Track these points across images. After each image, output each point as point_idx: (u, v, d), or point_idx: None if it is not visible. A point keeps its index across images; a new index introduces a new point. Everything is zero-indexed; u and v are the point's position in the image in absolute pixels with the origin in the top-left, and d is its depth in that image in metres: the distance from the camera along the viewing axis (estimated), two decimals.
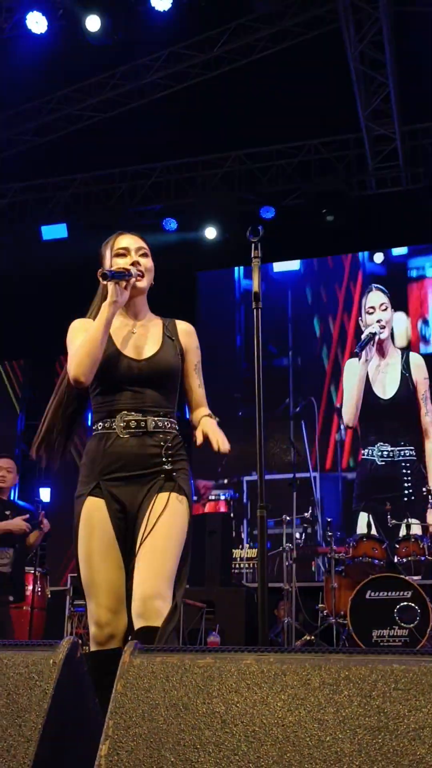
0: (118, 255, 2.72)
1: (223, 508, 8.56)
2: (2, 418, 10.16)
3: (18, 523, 5.26)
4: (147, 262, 2.74)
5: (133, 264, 2.69)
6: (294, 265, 9.28)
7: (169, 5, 7.24)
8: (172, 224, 9.27)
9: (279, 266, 9.28)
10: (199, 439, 2.59)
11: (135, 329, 2.72)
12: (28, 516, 5.36)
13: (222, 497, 8.61)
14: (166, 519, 2.43)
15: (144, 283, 2.72)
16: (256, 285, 2.98)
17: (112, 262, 2.71)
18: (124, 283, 2.62)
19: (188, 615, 5.85)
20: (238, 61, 8.56)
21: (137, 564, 2.39)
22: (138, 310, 2.77)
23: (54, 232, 9.37)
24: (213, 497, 8.61)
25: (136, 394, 2.59)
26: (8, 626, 5.19)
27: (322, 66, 8.17)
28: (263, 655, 1.44)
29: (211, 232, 9.11)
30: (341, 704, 1.33)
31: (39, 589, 6.22)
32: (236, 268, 9.53)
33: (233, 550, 7.70)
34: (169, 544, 2.41)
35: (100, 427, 2.60)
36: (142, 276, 2.71)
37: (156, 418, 2.58)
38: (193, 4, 7.60)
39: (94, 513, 2.48)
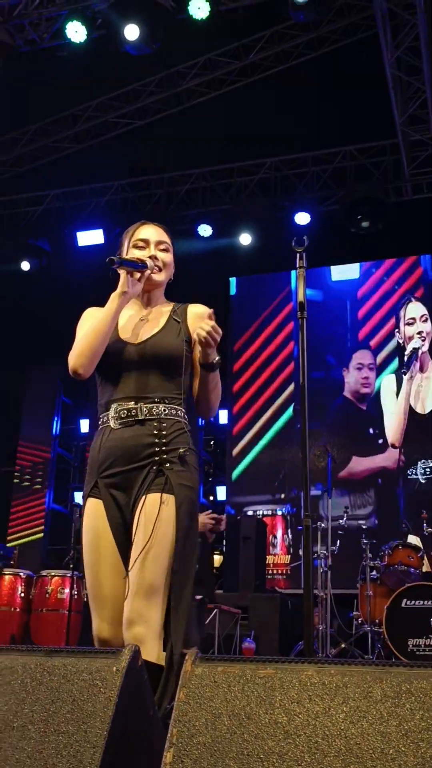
0: (136, 246, 2.59)
1: (280, 525, 8.49)
2: (38, 422, 10.27)
3: None
4: (166, 257, 2.61)
5: (150, 257, 2.56)
6: (353, 272, 9.21)
7: (207, 13, 7.28)
8: (207, 230, 9.30)
9: (338, 274, 9.20)
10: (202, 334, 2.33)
11: (144, 317, 2.58)
12: None
13: (279, 512, 8.54)
14: (150, 531, 2.24)
15: (161, 277, 2.59)
16: (301, 294, 2.99)
17: (128, 252, 2.59)
18: (138, 275, 2.49)
19: (223, 621, 5.86)
20: (274, 68, 8.60)
21: (126, 583, 2.24)
22: (149, 302, 2.64)
23: (90, 238, 9.46)
24: (269, 512, 8.52)
25: (132, 381, 2.43)
26: None
27: (358, 72, 8.17)
28: (324, 667, 1.46)
29: (246, 238, 9.13)
30: (404, 717, 1.35)
31: (75, 593, 6.27)
32: (292, 273, 9.46)
33: (267, 556, 7.70)
34: (153, 561, 2.22)
35: (100, 422, 2.47)
36: (160, 270, 2.58)
37: (149, 405, 2.39)
38: (229, 12, 7.64)
39: (95, 520, 2.35)
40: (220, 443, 10.88)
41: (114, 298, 2.47)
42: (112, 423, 2.39)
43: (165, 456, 2.35)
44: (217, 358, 2.42)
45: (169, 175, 9.60)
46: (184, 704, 1.45)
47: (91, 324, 2.46)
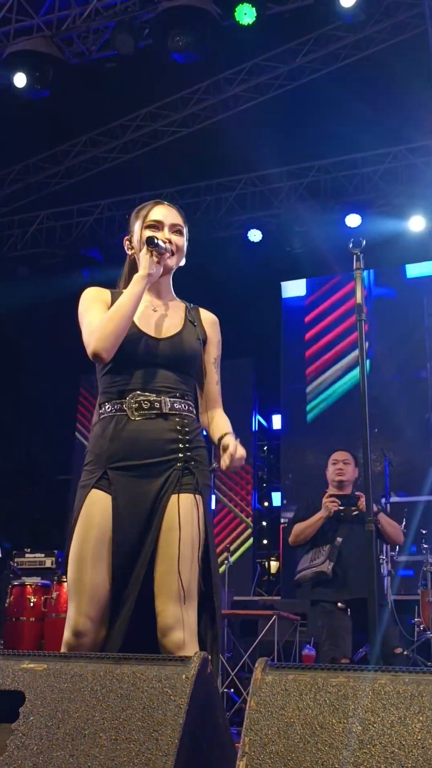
0: (149, 227, 2.46)
1: None
2: (90, 429, 10.36)
3: None
4: (179, 241, 2.49)
5: (165, 241, 2.44)
6: (430, 269, 9.08)
7: (253, 19, 7.28)
8: (257, 235, 9.29)
9: (413, 271, 9.08)
10: (225, 462, 2.29)
11: (156, 308, 2.48)
12: None
13: None
14: (187, 534, 2.19)
15: (172, 262, 2.48)
16: (358, 296, 2.97)
17: (142, 234, 2.46)
18: (157, 258, 2.40)
19: (282, 628, 5.81)
20: (321, 70, 8.55)
21: (156, 587, 2.18)
22: (162, 290, 2.53)
23: None
24: None
25: (150, 374, 2.34)
26: None
27: (407, 71, 8.07)
28: (397, 675, 1.43)
29: (297, 242, 9.10)
30: None
31: None
32: (365, 275, 9.38)
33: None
34: (190, 564, 2.18)
35: (108, 409, 2.35)
36: (172, 254, 2.46)
37: (172, 399, 2.33)
38: (275, 16, 7.63)
39: (95, 511, 2.25)
40: (274, 449, 10.85)
41: (139, 281, 2.37)
42: (130, 413, 2.30)
43: (189, 453, 2.30)
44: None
45: (217, 181, 9.62)
46: (255, 713, 1.44)
47: (114, 307, 2.36)
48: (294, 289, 9.85)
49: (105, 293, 2.48)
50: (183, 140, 9.23)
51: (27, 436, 10.87)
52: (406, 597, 6.62)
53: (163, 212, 2.50)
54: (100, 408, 2.39)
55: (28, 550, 7.56)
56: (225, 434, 2.38)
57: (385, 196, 8.98)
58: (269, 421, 11.01)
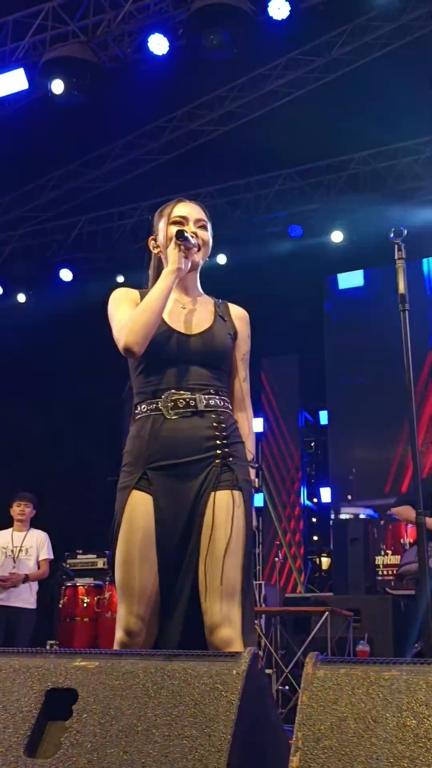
0: (174, 223, 2.48)
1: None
2: None
3: None
4: (205, 235, 2.50)
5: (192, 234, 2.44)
6: None
7: (287, 13, 7.24)
8: (298, 231, 9.24)
9: None
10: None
11: (185, 305, 2.47)
12: None
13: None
14: (227, 530, 2.20)
15: (199, 257, 2.48)
16: (401, 286, 2.92)
17: (167, 231, 2.47)
18: (185, 252, 2.39)
19: (335, 624, 5.77)
20: (358, 61, 8.46)
21: (201, 585, 2.19)
22: (189, 286, 2.52)
23: None
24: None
25: (183, 372, 2.33)
26: None
27: None
28: None
29: (338, 236, 9.02)
30: None
31: None
32: (424, 261, 9.26)
33: (376, 558, 7.55)
34: (232, 561, 2.18)
35: (144, 409, 2.35)
36: (198, 249, 2.46)
37: (206, 396, 2.31)
38: (309, 9, 7.58)
39: (137, 513, 2.26)
40: (321, 444, 10.78)
41: (167, 275, 2.37)
42: (165, 412, 2.29)
43: (227, 450, 2.29)
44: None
45: (256, 178, 9.59)
46: (308, 707, 1.42)
47: (144, 301, 2.37)
48: (349, 280, 9.76)
49: (133, 293, 2.50)
50: (220, 139, 9.22)
51: (77, 440, 10.98)
52: None
53: (187, 209, 2.52)
54: (136, 408, 2.39)
55: (80, 551, 7.64)
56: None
57: (427, 186, 8.85)
58: (316, 416, 10.95)
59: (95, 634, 6.45)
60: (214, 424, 2.29)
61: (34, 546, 6.18)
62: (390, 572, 7.49)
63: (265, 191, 9.57)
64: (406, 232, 2.92)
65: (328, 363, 9.66)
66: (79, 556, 7.51)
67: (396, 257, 2.93)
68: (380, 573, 7.50)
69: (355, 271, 9.69)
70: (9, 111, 8.30)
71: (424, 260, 9.23)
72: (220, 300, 2.57)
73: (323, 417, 10.27)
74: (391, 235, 2.93)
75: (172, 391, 2.30)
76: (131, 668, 1.59)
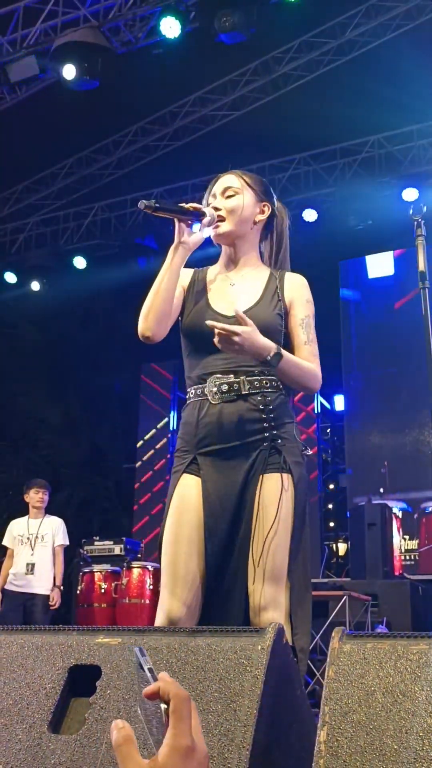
0: (210, 203, 2.40)
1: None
2: (156, 417, 10.43)
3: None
4: (229, 203, 2.35)
5: (214, 209, 2.34)
6: None
7: None
8: (312, 215, 9.17)
9: None
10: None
11: (234, 283, 2.37)
12: None
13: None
14: (273, 514, 2.15)
15: (226, 228, 2.33)
16: (421, 264, 2.89)
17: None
18: (188, 223, 2.27)
19: (353, 608, 5.76)
20: (371, 43, 8.37)
21: (250, 568, 2.16)
22: (235, 259, 2.40)
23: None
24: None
25: (226, 355, 2.22)
26: None
27: None
28: None
29: (353, 220, 8.95)
30: None
31: None
32: None
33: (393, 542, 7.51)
34: (279, 544, 2.15)
35: (192, 395, 2.30)
36: (223, 220, 2.33)
37: (250, 378, 2.23)
38: None
39: (187, 495, 2.23)
40: (337, 431, 10.75)
41: (170, 252, 2.30)
42: (211, 398, 2.23)
43: (275, 432, 2.23)
44: (268, 355, 2.19)
45: (270, 162, 9.53)
46: (334, 682, 1.41)
47: (153, 285, 2.31)
48: (377, 263, 9.69)
49: (185, 274, 2.40)
50: (234, 123, 9.16)
51: (93, 428, 11.02)
52: None
53: (221, 181, 2.42)
54: (187, 394, 2.35)
55: (97, 538, 7.66)
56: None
57: None
58: (331, 402, 10.90)
59: (113, 620, 6.47)
60: (261, 407, 2.22)
61: (50, 533, 6.20)
62: (409, 557, 7.47)
63: (278, 176, 9.50)
64: (426, 208, 2.88)
65: (344, 349, 9.61)
66: (96, 543, 7.52)
67: (416, 234, 2.89)
68: (402, 558, 7.47)
69: (382, 253, 9.58)
70: (21, 97, 8.27)
71: None
72: (280, 270, 2.44)
73: (339, 402, 10.22)
74: (410, 212, 2.89)
75: (218, 375, 2.25)
76: (155, 644, 1.58)
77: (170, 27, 7.33)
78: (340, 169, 9.21)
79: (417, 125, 8.86)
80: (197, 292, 2.39)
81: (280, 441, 2.22)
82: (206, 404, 2.24)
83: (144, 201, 2.19)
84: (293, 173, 9.45)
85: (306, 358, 2.32)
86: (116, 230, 10.13)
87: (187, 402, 2.33)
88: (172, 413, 10.50)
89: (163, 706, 0.84)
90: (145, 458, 10.49)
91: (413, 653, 1.39)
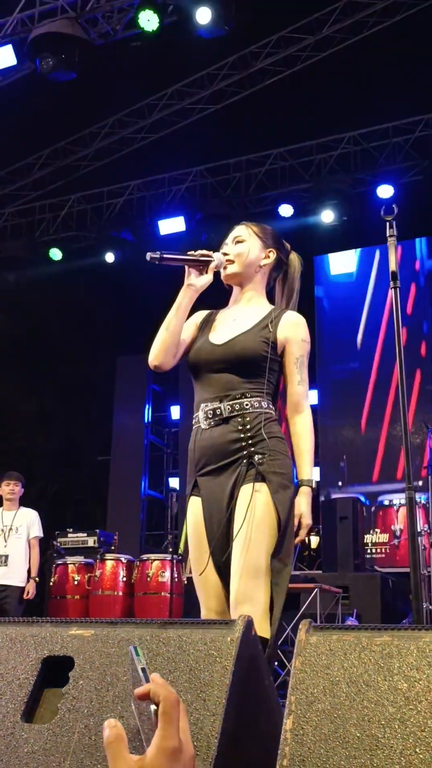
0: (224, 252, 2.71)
1: (421, 516, 8.07)
2: (130, 410, 10.44)
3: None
4: (237, 248, 2.67)
5: (223, 254, 2.66)
6: None
7: None
8: (288, 210, 9.22)
9: None
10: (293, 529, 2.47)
11: (236, 318, 2.64)
12: None
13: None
14: (249, 516, 2.35)
15: (233, 269, 2.66)
16: (393, 264, 2.93)
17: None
18: (198, 268, 2.59)
19: (324, 601, 5.83)
20: (349, 40, 8.41)
21: (231, 567, 2.37)
22: (241, 298, 2.70)
23: (171, 226, 9.53)
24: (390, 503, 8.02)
25: (214, 382, 2.51)
26: None
27: None
28: None
29: (328, 216, 9.01)
30: None
31: (176, 576, 6.36)
32: (417, 246, 9.24)
33: (365, 536, 7.62)
34: (252, 543, 2.33)
35: (193, 422, 2.58)
36: (232, 263, 2.65)
37: (231, 402, 2.46)
38: None
39: (194, 516, 2.50)
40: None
41: (180, 293, 2.59)
42: (202, 423, 2.50)
43: (252, 449, 2.42)
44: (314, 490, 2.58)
45: (246, 157, 9.56)
46: (300, 672, 1.45)
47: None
48: (339, 263, 9.75)
49: (199, 315, 2.71)
50: (211, 117, 9.17)
51: (67, 419, 10.99)
52: None
53: (233, 232, 2.73)
54: (192, 420, 2.60)
55: (71, 530, 7.67)
56: (299, 485, 2.53)
57: (418, 165, 8.84)
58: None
59: (86, 612, 6.49)
60: (239, 428, 2.44)
61: (24, 525, 6.20)
62: (378, 550, 7.57)
63: (255, 170, 9.54)
64: (397, 209, 2.93)
65: (317, 345, 9.68)
66: (69, 535, 7.53)
67: (387, 234, 2.93)
68: (369, 551, 7.57)
69: (347, 251, 9.65)
70: None
71: (417, 240, 9.24)
72: (280, 309, 2.68)
73: (313, 396, 10.29)
74: (382, 212, 2.93)
75: (207, 402, 2.51)
76: (127, 636, 1.61)
77: (148, 20, 7.33)
78: (316, 165, 9.26)
79: (392, 123, 8.93)
80: (205, 328, 2.66)
81: (257, 457, 2.42)
82: (200, 430, 2.52)
83: (150, 253, 2.48)
84: (269, 168, 9.48)
85: (300, 398, 2.59)
86: (92, 222, 10.11)
87: (192, 428, 2.59)
88: (147, 406, 10.52)
89: (153, 707, 0.87)
90: (119, 451, 10.50)
91: (377, 645, 1.44)
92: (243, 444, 2.42)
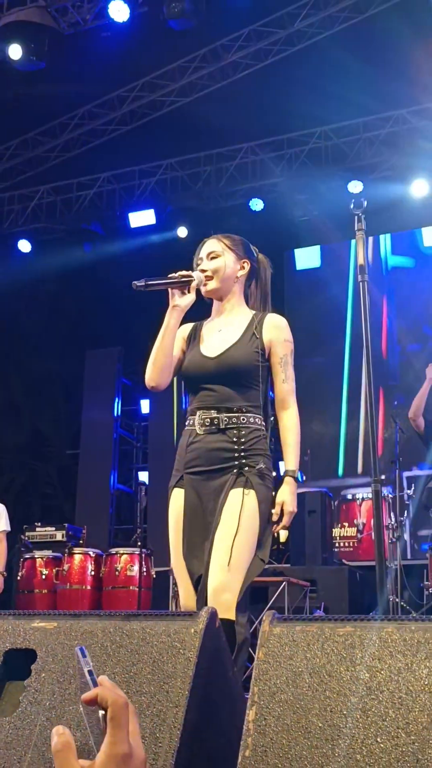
0: (197, 265, 2.87)
1: (384, 510, 8.04)
2: (100, 404, 10.38)
3: None
4: (212, 264, 2.82)
5: (201, 271, 2.82)
6: None
7: None
8: (258, 204, 9.22)
9: (430, 239, 8.99)
10: (275, 518, 2.68)
11: (221, 329, 2.82)
12: None
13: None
14: (233, 514, 2.55)
15: (213, 285, 2.82)
16: (361, 257, 2.95)
17: (195, 271, 2.85)
18: (180, 289, 2.74)
19: (292, 594, 5.86)
20: (320, 34, 8.42)
21: (211, 557, 2.55)
22: (223, 310, 2.86)
23: (142, 218, 9.48)
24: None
25: (210, 393, 2.70)
26: None
27: (407, 32, 7.94)
28: (404, 624, 1.44)
29: (298, 210, 9.02)
30: None
31: (144, 570, 6.35)
32: (381, 242, 9.27)
33: (333, 529, 7.65)
34: (239, 542, 2.53)
35: (187, 424, 2.76)
36: (210, 278, 2.81)
37: (229, 415, 2.66)
38: None
39: (175, 506, 2.70)
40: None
41: (167, 314, 2.74)
42: (197, 429, 2.68)
43: (244, 461, 2.63)
44: (297, 479, 2.77)
45: (217, 151, 9.53)
46: (264, 663, 1.45)
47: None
48: (306, 258, 9.77)
49: (185, 328, 2.86)
50: (182, 110, 9.13)
51: (35, 413, 10.91)
52: (417, 562, 6.67)
53: (205, 246, 2.88)
54: (185, 422, 2.80)
55: (39, 524, 7.62)
56: (284, 476, 2.73)
57: (387, 161, 8.88)
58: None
59: (54, 606, 6.46)
60: (234, 439, 2.64)
61: None
62: (346, 544, 7.61)
63: (225, 164, 9.52)
64: (366, 203, 2.94)
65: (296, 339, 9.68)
66: (37, 529, 7.48)
67: (356, 228, 2.94)
68: (337, 545, 7.62)
69: (312, 246, 9.67)
70: None
71: (381, 236, 9.29)
72: (262, 313, 2.85)
73: None
74: (351, 206, 2.95)
75: (203, 410, 2.69)
76: (90, 628, 1.60)
77: (119, 10, 7.29)
78: (287, 160, 9.27)
79: (363, 118, 8.96)
80: (194, 341, 2.85)
81: (247, 468, 2.63)
82: (194, 434, 2.70)
83: (135, 282, 2.63)
84: (240, 162, 9.47)
85: (286, 395, 2.78)
86: (62, 214, 10.03)
87: (185, 429, 2.78)
88: (116, 400, 10.46)
89: (101, 712, 0.85)
90: (88, 444, 10.44)
91: (339, 635, 1.44)
92: (236, 455, 2.63)
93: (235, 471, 2.62)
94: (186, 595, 2.63)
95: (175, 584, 7.09)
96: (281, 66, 8.62)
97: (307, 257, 9.74)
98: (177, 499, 2.71)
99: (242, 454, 2.64)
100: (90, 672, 0.89)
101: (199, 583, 2.61)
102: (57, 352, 10.26)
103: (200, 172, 9.65)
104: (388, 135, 8.90)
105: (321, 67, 8.45)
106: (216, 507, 2.61)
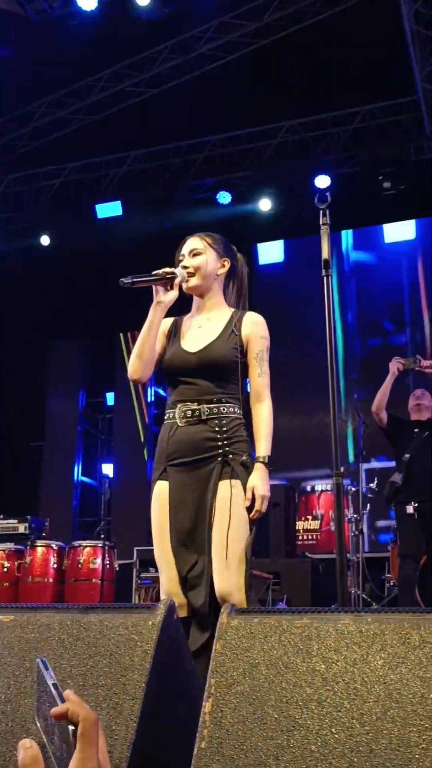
0: (179, 262, 2.93)
1: (344, 502, 8.00)
2: (64, 396, 10.31)
3: None
4: (195, 261, 2.89)
5: (184, 267, 2.88)
6: (409, 233, 9.03)
7: None
8: (226, 197, 9.21)
9: (392, 235, 9.03)
10: (247, 503, 2.71)
11: (201, 325, 2.90)
12: None
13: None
14: (228, 511, 2.64)
15: (195, 282, 2.89)
16: (325, 252, 2.96)
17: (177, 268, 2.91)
18: (163, 285, 2.81)
19: (255, 586, 5.89)
20: (290, 28, 8.42)
21: (212, 556, 2.63)
22: (203, 306, 2.94)
23: (109, 210, 9.41)
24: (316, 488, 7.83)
25: (191, 386, 2.77)
26: None
27: (376, 29, 7.98)
28: (360, 616, 1.45)
29: (266, 204, 9.03)
30: None
31: (107, 563, 6.33)
32: (343, 238, 9.27)
33: (297, 522, 7.70)
34: (233, 534, 2.63)
35: (166, 418, 2.83)
36: (192, 275, 2.88)
37: (210, 405, 2.73)
38: None
39: (159, 498, 2.76)
40: (248, 412, 10.86)
41: (151, 310, 2.81)
42: (178, 421, 2.74)
43: (227, 449, 2.71)
44: (269, 466, 2.79)
45: (186, 143, 9.49)
46: (221, 655, 1.46)
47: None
48: (269, 249, 9.77)
49: (165, 323, 2.92)
50: (150, 101, 9.07)
51: None
52: (378, 554, 6.73)
53: (186, 244, 2.95)
54: (165, 415, 2.86)
55: (1, 516, 7.55)
56: (255, 461, 2.76)
57: (354, 156, 8.92)
58: (245, 384, 11.01)
59: (15, 599, 6.41)
60: (216, 429, 2.72)
61: None
62: (309, 537, 7.66)
63: (194, 156, 9.48)
64: (330, 198, 2.95)
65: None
66: None
67: (321, 222, 2.95)
68: (300, 537, 7.66)
69: (275, 241, 9.69)
70: None
71: (343, 232, 9.33)
72: (241, 311, 2.95)
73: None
74: (316, 200, 2.95)
75: (185, 402, 2.75)
76: (47, 621, 1.59)
77: None
78: (255, 153, 9.26)
79: (331, 113, 8.99)
80: (174, 336, 2.92)
81: (231, 456, 2.70)
82: (175, 426, 2.76)
83: (122, 279, 2.69)
84: (208, 155, 9.44)
85: (261, 389, 2.86)
86: (28, 204, 9.92)
87: (164, 423, 2.84)
88: (81, 392, 10.41)
89: (71, 728, 0.83)
90: (52, 436, 10.37)
91: (297, 627, 1.45)
92: (219, 444, 2.70)
93: (219, 459, 2.69)
94: (169, 583, 2.67)
95: (140, 577, 7.11)
96: (250, 59, 8.61)
97: (270, 251, 9.74)
98: (161, 491, 2.76)
99: (225, 442, 2.71)
100: (55, 686, 0.87)
101: (191, 570, 2.67)
102: (20, 343, 10.15)
103: (168, 163, 9.61)
104: (356, 130, 8.93)
105: (290, 60, 8.46)
106: (202, 495, 2.68)
